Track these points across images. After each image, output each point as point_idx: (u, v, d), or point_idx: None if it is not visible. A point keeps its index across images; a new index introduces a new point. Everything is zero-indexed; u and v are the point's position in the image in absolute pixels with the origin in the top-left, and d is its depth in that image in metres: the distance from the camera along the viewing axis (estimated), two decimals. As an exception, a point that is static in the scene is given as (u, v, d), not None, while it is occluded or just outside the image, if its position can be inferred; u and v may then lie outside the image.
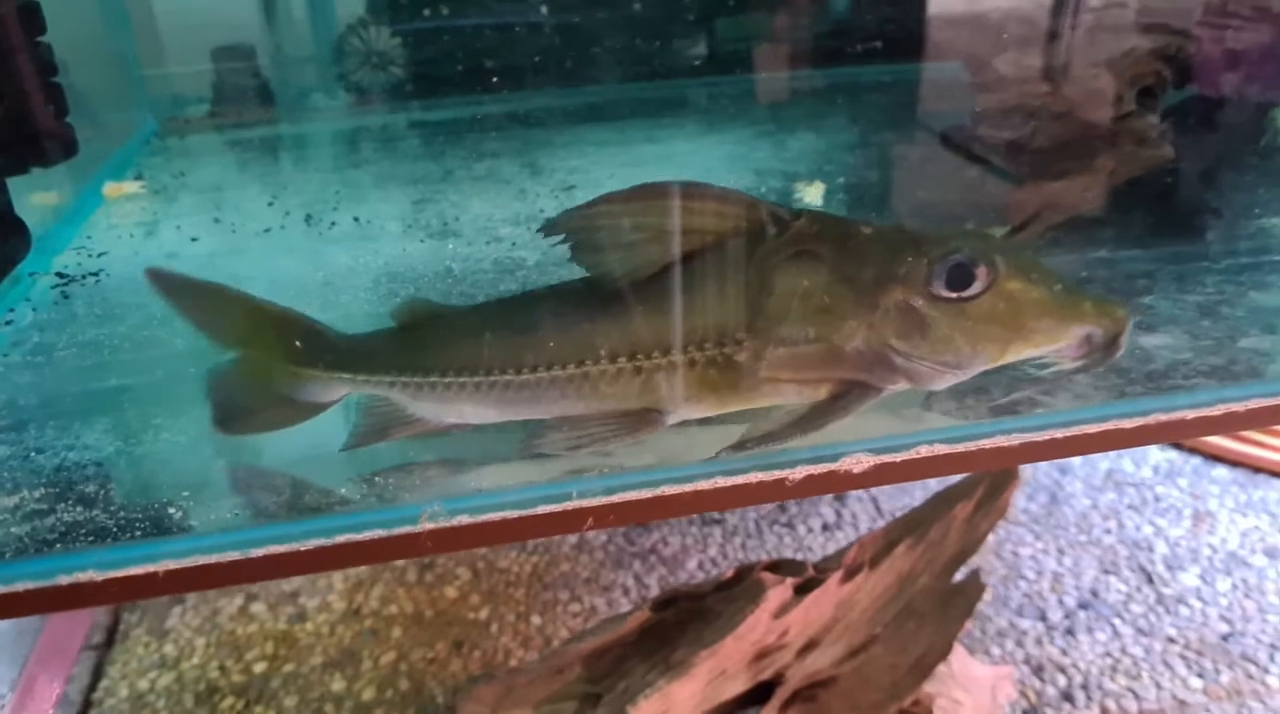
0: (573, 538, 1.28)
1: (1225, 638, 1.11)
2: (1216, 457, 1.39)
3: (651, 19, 1.06)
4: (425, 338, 0.57)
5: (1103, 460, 1.39)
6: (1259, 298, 0.64)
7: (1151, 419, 0.53)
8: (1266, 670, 1.07)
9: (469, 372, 0.55)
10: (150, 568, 0.47)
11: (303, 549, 0.48)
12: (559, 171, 0.93)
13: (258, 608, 1.22)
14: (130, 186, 0.92)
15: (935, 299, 0.50)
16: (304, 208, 0.85)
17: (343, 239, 0.80)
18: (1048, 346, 0.51)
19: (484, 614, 1.18)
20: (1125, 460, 1.39)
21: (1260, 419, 0.54)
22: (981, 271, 0.50)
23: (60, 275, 0.75)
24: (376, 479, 0.54)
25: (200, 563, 0.47)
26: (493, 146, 1.00)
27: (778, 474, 0.51)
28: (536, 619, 1.18)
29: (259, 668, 1.14)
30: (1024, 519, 1.28)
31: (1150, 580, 1.19)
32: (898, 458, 0.52)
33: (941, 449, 0.52)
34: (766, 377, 0.52)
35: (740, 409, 0.54)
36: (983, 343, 0.50)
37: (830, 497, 1.33)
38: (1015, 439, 0.53)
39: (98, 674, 1.13)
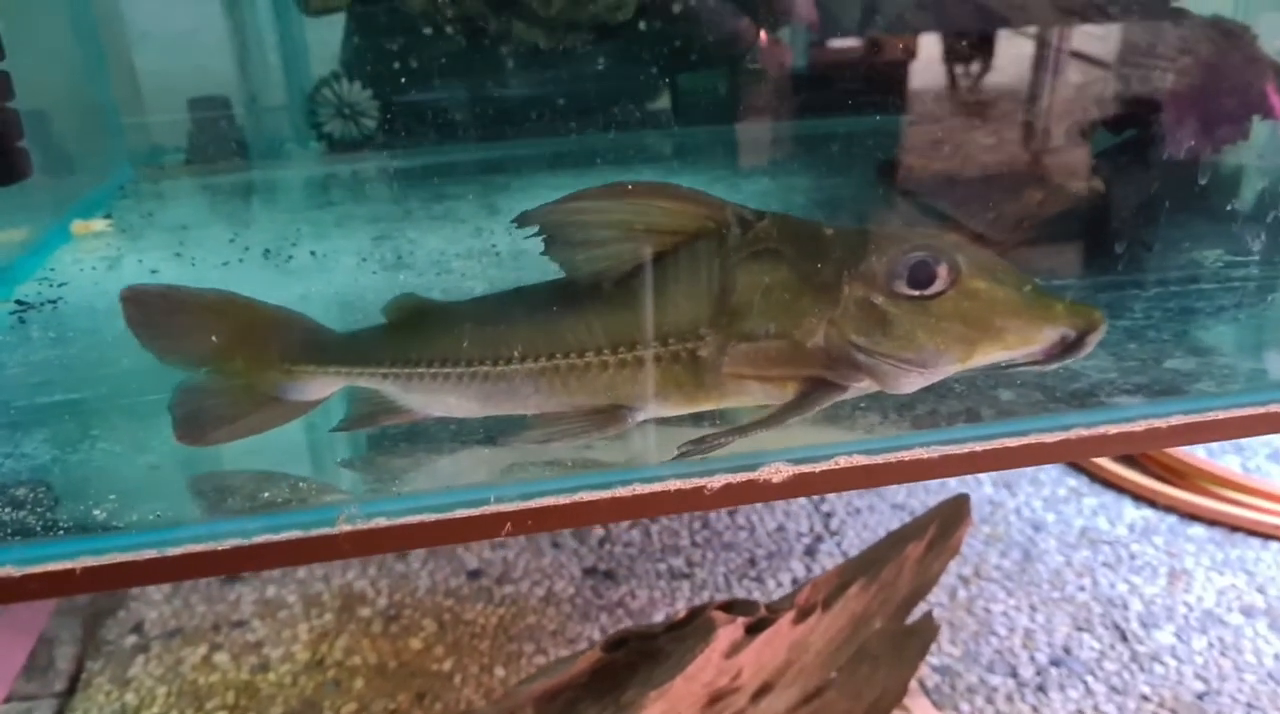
0: (540, 590, 1.27)
1: (1201, 697, 1.09)
2: (1193, 515, 1.38)
3: (613, 73, 1.10)
4: (413, 332, 0.58)
5: (1077, 518, 1.38)
6: (1183, 323, 0.65)
7: (1073, 434, 0.54)
8: (1242, 729, 1.06)
9: (451, 364, 0.56)
10: (68, 564, 0.48)
11: (220, 549, 0.48)
12: (515, 211, 0.95)
13: (221, 658, 1.21)
14: (98, 224, 0.95)
15: (896, 296, 0.50)
16: (264, 244, 0.87)
17: (298, 271, 0.82)
18: (1021, 348, 0.50)
19: (448, 665, 1.17)
20: (1100, 518, 1.38)
21: (1181, 436, 0.54)
22: (943, 270, 0.50)
23: (20, 302, 0.77)
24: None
25: (117, 560, 0.48)
26: (454, 190, 1.03)
27: (696, 482, 0.52)
28: (500, 671, 1.16)
29: (218, 718, 1.12)
30: (996, 575, 1.27)
31: (1124, 638, 1.18)
32: (816, 468, 0.52)
33: (860, 460, 0.53)
34: (730, 373, 0.52)
35: (708, 407, 0.54)
36: (947, 342, 0.50)
37: (801, 551, 1.32)
38: (935, 452, 0.53)
39: (56, 722, 1.12)
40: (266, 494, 0.53)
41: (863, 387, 0.52)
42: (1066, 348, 0.50)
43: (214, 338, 0.57)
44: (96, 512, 0.51)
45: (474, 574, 1.31)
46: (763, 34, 1.13)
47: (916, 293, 0.50)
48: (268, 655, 1.20)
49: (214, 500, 0.53)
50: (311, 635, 1.23)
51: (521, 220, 0.53)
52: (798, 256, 0.52)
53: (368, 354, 0.58)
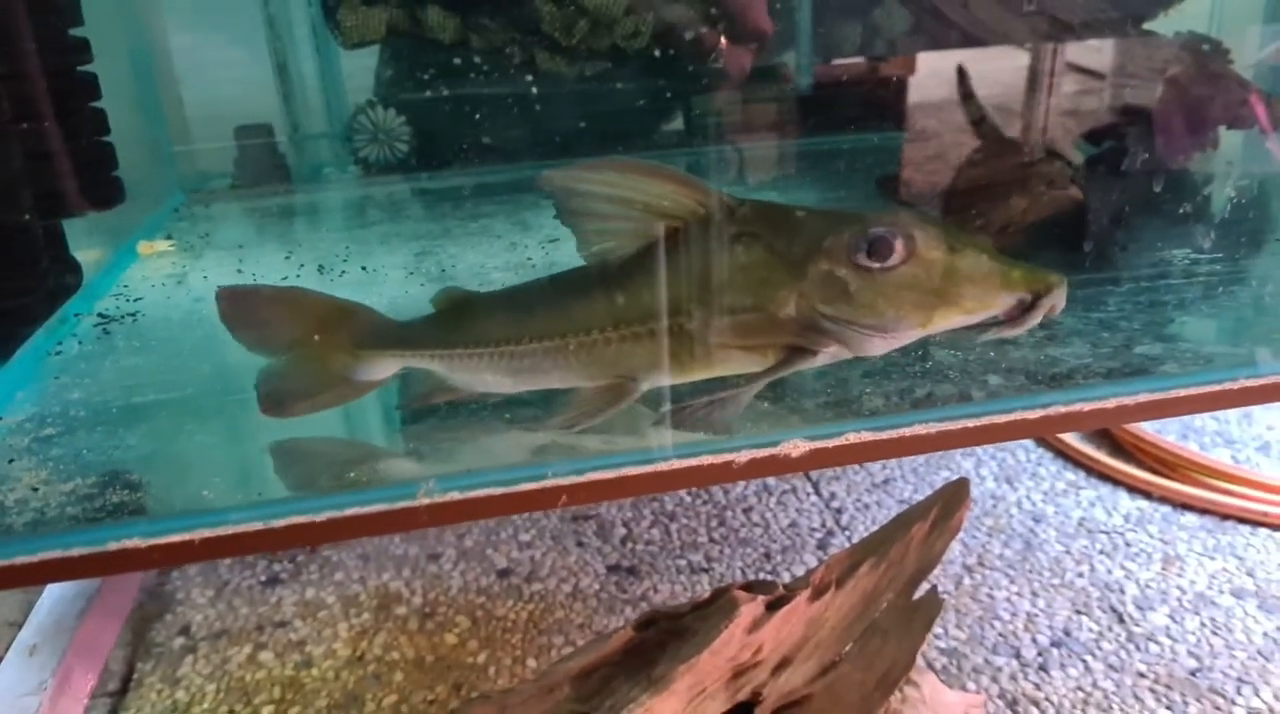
0: (567, 586, 1.34)
1: (1194, 673, 1.15)
2: (1186, 505, 1.44)
3: (631, 97, 1.18)
4: (455, 319, 0.66)
5: (1075, 509, 1.45)
6: (1151, 314, 0.73)
7: (1052, 411, 0.61)
8: (1233, 703, 1.11)
9: (485, 344, 0.64)
10: (187, 536, 0.55)
11: (318, 520, 0.55)
12: (545, 227, 1.03)
13: (266, 655, 1.27)
14: (162, 245, 1.03)
15: (858, 268, 0.56)
16: (317, 260, 0.95)
17: (352, 284, 0.90)
18: (980, 312, 0.55)
19: (482, 658, 1.23)
20: (1097, 509, 1.45)
21: (1148, 411, 0.61)
22: (899, 244, 0.55)
23: (102, 316, 0.85)
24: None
25: (230, 532, 0.55)
26: (488, 209, 1.11)
27: (726, 457, 0.59)
28: (532, 662, 1.22)
29: (266, 711, 1.18)
30: (999, 564, 1.34)
31: (1121, 620, 1.24)
32: (830, 443, 0.59)
33: (868, 436, 0.60)
34: (716, 343, 0.59)
35: (701, 376, 0.62)
36: (907, 308, 0.56)
37: (814, 545, 1.39)
38: (933, 428, 0.60)
39: (112, 719, 1.18)
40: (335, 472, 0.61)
41: (833, 352, 0.59)
42: (1026, 311, 0.55)
43: (294, 327, 0.65)
44: (204, 491, 0.58)
45: (503, 573, 1.38)
46: (723, 40, 1.20)
47: (876, 265, 0.56)
48: (310, 652, 1.27)
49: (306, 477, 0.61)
50: (351, 633, 1.29)
51: (541, 185, 0.61)
52: (773, 237, 0.58)
53: (419, 339, 0.66)
